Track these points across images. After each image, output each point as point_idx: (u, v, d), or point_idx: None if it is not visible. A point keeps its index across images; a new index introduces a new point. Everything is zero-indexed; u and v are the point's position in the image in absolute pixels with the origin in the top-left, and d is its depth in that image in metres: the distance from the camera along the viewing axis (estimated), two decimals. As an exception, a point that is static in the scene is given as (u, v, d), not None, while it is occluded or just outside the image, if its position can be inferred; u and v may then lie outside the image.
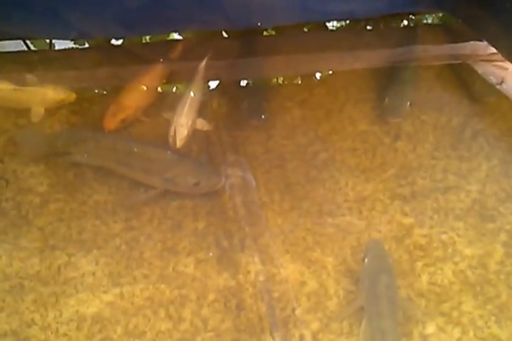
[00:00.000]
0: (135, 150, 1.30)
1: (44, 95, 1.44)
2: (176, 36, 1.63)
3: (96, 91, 1.54)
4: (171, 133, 1.34)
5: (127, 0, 1.37)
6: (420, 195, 1.31)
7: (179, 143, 1.33)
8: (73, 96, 1.45)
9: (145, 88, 1.45)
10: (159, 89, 1.49)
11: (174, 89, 1.53)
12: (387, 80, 1.50)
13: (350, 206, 1.28)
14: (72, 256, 1.22)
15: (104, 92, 1.55)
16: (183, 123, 1.34)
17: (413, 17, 1.66)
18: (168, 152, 1.31)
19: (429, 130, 1.42)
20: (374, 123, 1.42)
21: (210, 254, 1.20)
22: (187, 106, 1.37)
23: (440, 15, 1.66)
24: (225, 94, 1.50)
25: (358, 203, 1.29)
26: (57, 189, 1.32)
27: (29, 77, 1.47)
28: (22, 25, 1.44)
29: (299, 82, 1.54)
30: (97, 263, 1.21)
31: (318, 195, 1.29)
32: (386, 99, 1.44)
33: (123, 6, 1.38)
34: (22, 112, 1.42)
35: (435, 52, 1.59)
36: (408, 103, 1.44)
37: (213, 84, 1.52)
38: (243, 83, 1.53)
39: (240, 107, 1.44)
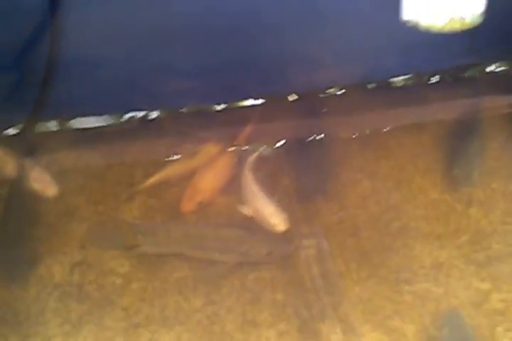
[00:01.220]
0: (207, 233, 1.37)
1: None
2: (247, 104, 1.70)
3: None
4: (269, 222, 1.36)
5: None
6: (495, 259, 1.31)
7: (285, 226, 1.35)
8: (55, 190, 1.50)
9: (219, 169, 1.52)
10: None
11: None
12: (454, 151, 1.53)
13: (426, 273, 1.29)
14: (155, 332, 1.26)
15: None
16: (275, 211, 1.38)
17: (476, 67, 1.70)
18: (239, 230, 1.36)
19: (499, 197, 1.43)
20: (445, 192, 1.44)
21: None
22: (263, 194, 1.42)
23: (504, 64, 1.69)
24: (294, 161, 1.55)
25: (434, 270, 1.29)
26: (138, 268, 1.36)
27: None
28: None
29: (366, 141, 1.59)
30: (179, 339, 1.24)
31: (394, 263, 1.30)
32: (455, 170, 1.47)
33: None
34: (102, 199, 1.50)
35: (501, 102, 1.63)
36: (477, 173, 1.48)
37: (280, 144, 1.58)
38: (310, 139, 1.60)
39: (309, 181, 1.49)
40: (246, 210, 1.41)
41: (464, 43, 1.53)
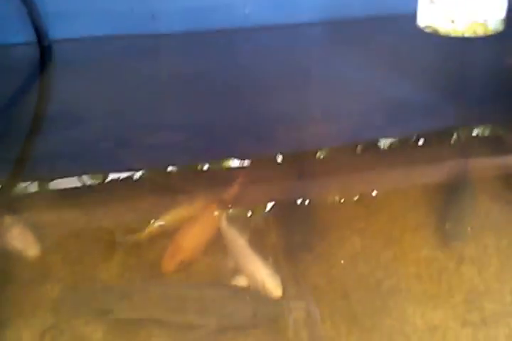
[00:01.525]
0: (188, 294, 1.28)
1: None
2: (232, 165, 1.67)
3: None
4: (264, 287, 1.30)
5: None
6: (491, 320, 1.25)
7: (280, 291, 1.29)
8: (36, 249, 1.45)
9: (204, 227, 1.47)
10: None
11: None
12: (444, 205, 1.49)
13: (420, 336, 1.22)
14: None
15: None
16: (270, 275, 1.32)
17: (463, 131, 1.70)
18: (222, 290, 1.28)
19: (492, 253, 1.39)
20: (436, 249, 1.39)
21: None
22: (256, 257, 1.36)
23: (490, 127, 1.69)
24: (281, 221, 1.51)
25: (428, 332, 1.22)
26: (113, 335, 1.27)
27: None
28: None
29: (354, 203, 1.55)
30: None
31: (386, 326, 1.24)
32: (447, 224, 1.43)
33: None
34: (79, 258, 1.42)
35: (488, 164, 1.60)
36: (469, 228, 1.44)
37: (269, 206, 1.53)
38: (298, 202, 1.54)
39: (297, 240, 1.43)
40: (238, 279, 1.34)
41: (450, 105, 1.53)
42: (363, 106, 1.53)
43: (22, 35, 1.78)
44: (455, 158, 1.59)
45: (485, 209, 1.49)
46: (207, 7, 1.67)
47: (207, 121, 1.51)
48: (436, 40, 1.70)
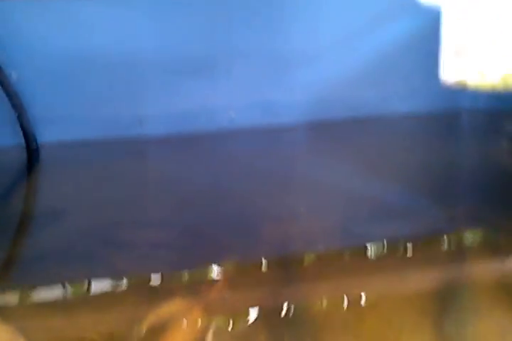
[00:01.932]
0: None
1: None
2: (214, 272, 1.62)
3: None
4: None
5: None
6: None
7: None
8: None
9: (186, 329, 1.40)
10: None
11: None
12: (442, 306, 1.43)
13: None
14: None
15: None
16: None
17: (453, 237, 1.66)
18: None
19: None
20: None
21: None
22: None
23: (482, 231, 1.65)
24: (267, 327, 1.42)
25: None
26: None
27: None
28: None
29: (345, 308, 1.48)
30: None
31: None
32: (446, 327, 1.36)
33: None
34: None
35: (482, 270, 1.54)
36: (469, 330, 1.36)
37: (253, 313, 1.46)
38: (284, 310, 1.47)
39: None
40: None
41: (440, 210, 1.51)
42: (350, 209, 1.51)
43: (10, 138, 1.80)
44: (450, 262, 1.55)
45: (485, 313, 1.42)
46: (192, 111, 1.70)
47: (191, 223, 1.49)
48: (421, 138, 1.72)
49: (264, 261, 1.65)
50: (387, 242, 1.62)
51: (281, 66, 1.73)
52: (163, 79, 1.71)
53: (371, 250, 1.66)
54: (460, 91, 1.53)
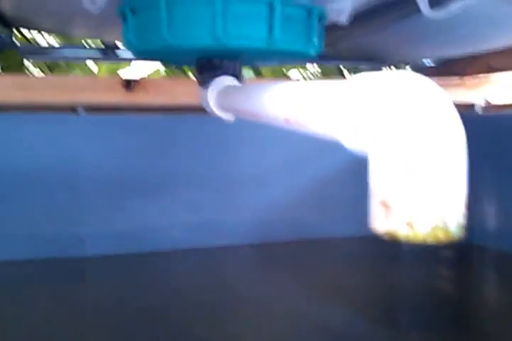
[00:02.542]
0: None
1: None
2: None
3: None
4: None
5: None
6: None
7: None
8: None
9: None
10: None
11: None
12: None
13: None
14: None
15: None
16: None
17: None
18: None
19: None
20: None
21: None
22: None
23: None
24: None
25: None
26: None
27: None
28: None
29: None
30: None
31: None
32: None
33: None
34: None
35: None
36: None
37: None
38: None
39: None
40: None
41: (381, 333, 1.46)
42: (287, 331, 1.43)
43: None
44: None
45: None
46: (135, 230, 1.65)
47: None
48: (365, 260, 1.69)
49: None
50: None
51: (227, 188, 1.72)
52: (105, 198, 1.67)
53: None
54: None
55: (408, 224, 0.42)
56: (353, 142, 0.50)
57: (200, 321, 1.32)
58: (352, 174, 1.72)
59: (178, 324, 1.33)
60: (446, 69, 1.64)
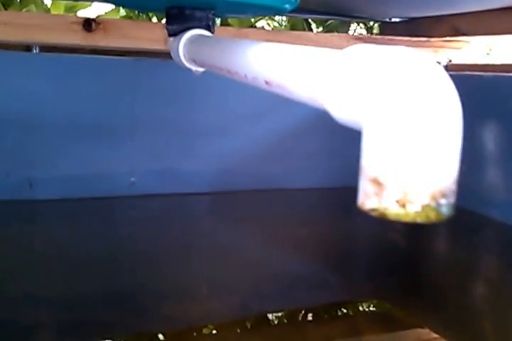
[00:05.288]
0: None
1: None
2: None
3: None
4: None
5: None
6: None
7: None
8: None
9: None
10: None
11: None
12: None
13: None
14: None
15: None
16: None
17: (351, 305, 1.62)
18: None
19: None
20: None
21: None
22: None
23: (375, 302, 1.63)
24: None
25: None
26: None
27: None
28: None
29: None
30: None
31: None
32: None
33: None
34: None
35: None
36: None
37: None
38: None
39: None
40: None
41: (339, 279, 1.49)
42: (248, 278, 1.45)
43: None
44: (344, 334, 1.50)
45: None
46: (90, 175, 1.61)
47: (78, 293, 1.37)
48: (321, 210, 1.71)
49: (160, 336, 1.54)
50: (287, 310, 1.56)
51: (187, 136, 1.69)
52: (60, 142, 1.62)
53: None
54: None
55: (399, 202, 0.41)
56: (343, 113, 0.49)
57: (144, 269, 1.30)
58: (315, 127, 1.72)
59: (121, 272, 1.32)
60: (414, 27, 1.63)
